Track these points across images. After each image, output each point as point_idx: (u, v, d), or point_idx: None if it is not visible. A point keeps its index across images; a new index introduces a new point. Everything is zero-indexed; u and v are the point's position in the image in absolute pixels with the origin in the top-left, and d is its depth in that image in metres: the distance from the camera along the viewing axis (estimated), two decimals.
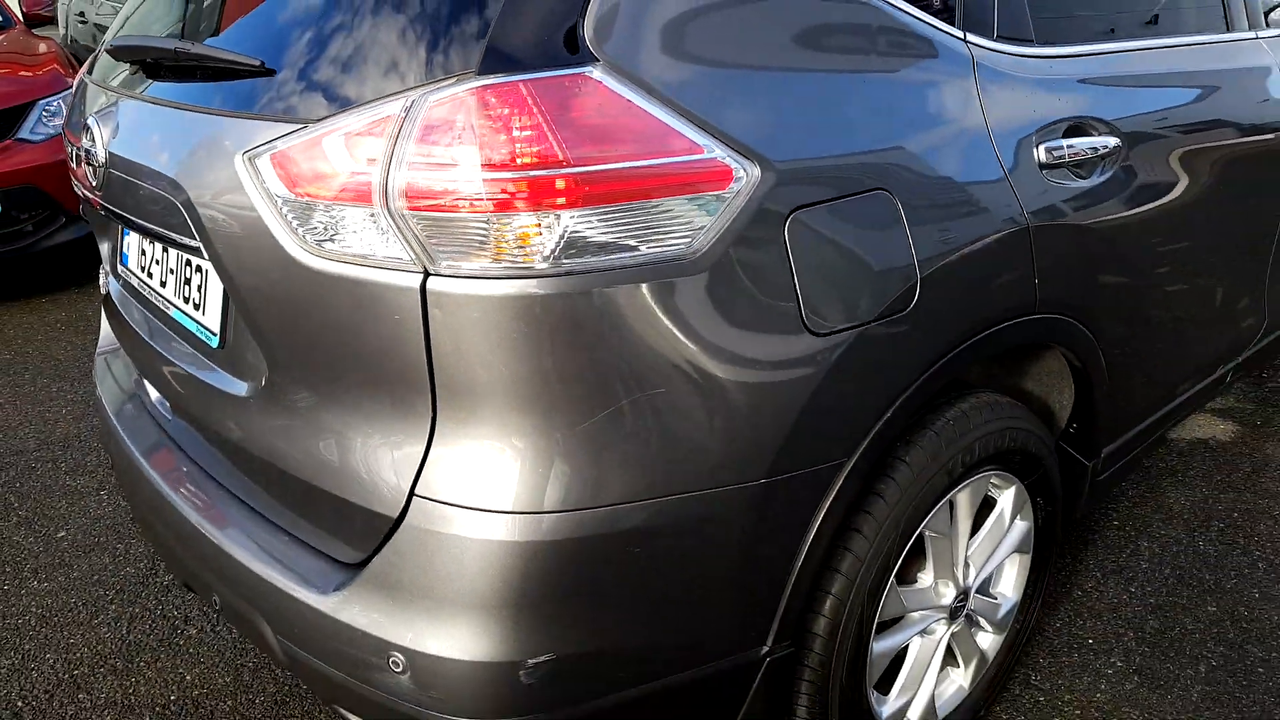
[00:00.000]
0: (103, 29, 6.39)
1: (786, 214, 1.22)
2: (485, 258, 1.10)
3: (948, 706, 1.79)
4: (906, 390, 1.38)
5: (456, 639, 1.19)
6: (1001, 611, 1.82)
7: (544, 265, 1.10)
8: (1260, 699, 1.96)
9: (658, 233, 1.15)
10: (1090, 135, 1.62)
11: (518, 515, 1.16)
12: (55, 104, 4.39)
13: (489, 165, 1.07)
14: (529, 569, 1.17)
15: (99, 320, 4.08)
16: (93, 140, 1.54)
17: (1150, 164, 1.74)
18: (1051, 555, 1.89)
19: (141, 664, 2.13)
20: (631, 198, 1.12)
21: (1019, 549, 1.81)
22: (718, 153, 1.17)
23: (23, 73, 4.45)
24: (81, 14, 6.65)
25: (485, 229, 1.09)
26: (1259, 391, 3.20)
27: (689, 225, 1.16)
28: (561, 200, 1.09)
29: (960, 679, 1.82)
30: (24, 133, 4.18)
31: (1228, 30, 2.08)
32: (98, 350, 2.08)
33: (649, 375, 1.17)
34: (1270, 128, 2.08)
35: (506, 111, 1.07)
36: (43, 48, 4.82)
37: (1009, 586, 1.84)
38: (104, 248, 1.90)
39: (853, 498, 1.38)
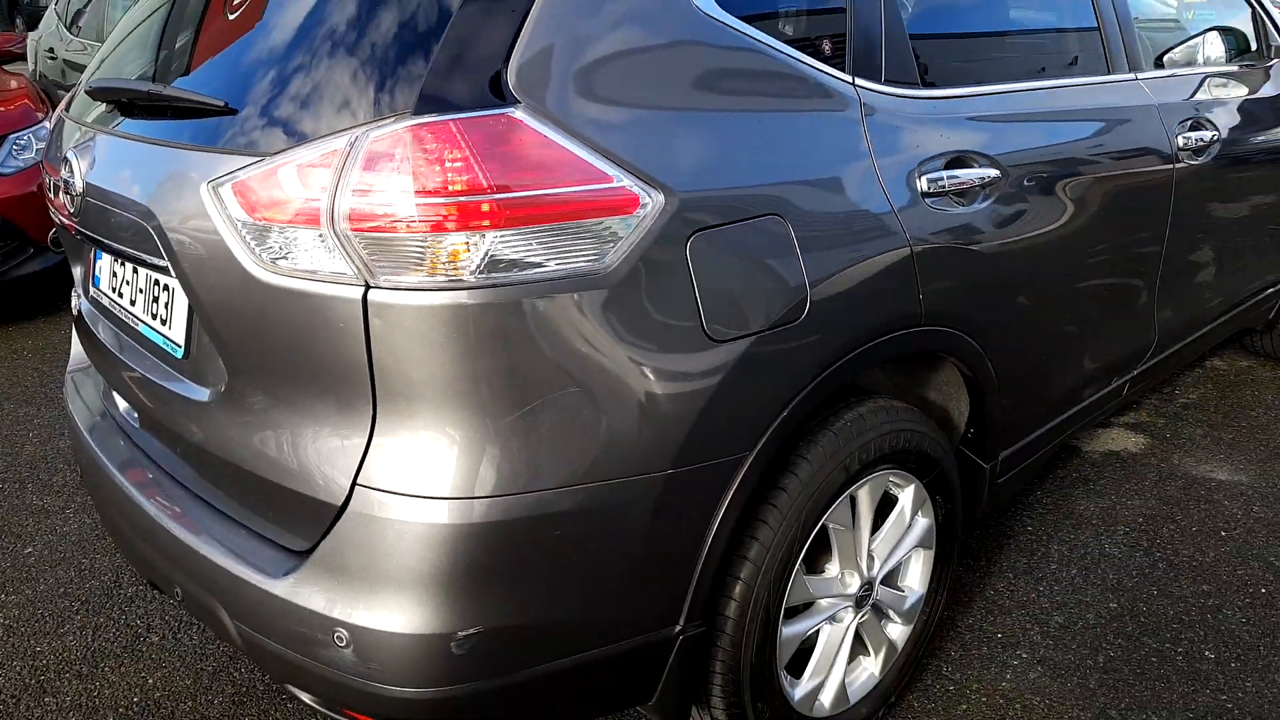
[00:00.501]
0: (72, 65, 6.53)
1: (688, 235, 1.39)
2: (420, 272, 1.26)
3: (859, 692, 1.95)
4: (801, 392, 1.55)
5: (393, 614, 1.34)
6: (908, 603, 1.99)
7: (472, 279, 1.26)
8: (1151, 685, 2.13)
9: (573, 251, 1.31)
10: (971, 167, 1.82)
11: (449, 501, 1.31)
12: (25, 138, 4.50)
13: (422, 192, 1.24)
14: (459, 549, 1.32)
15: (69, 345, 4.18)
16: (71, 171, 1.69)
17: (1031, 193, 1.94)
18: (954, 551, 2.06)
19: (105, 669, 2.24)
20: (549, 220, 1.29)
21: (922, 544, 1.98)
22: (626, 182, 1.34)
23: None
24: (51, 50, 6.78)
25: (419, 247, 1.25)
26: (1170, 406, 3.42)
27: (601, 244, 1.33)
28: (486, 222, 1.26)
29: (871, 667, 1.97)
30: None
31: (1108, 72, 2.30)
32: (69, 369, 2.21)
33: (566, 376, 1.33)
34: (1149, 161, 2.29)
35: (438, 146, 1.24)
36: (13, 84, 4.93)
37: (914, 580, 2.01)
38: (77, 271, 2.04)
39: (754, 489, 1.55)
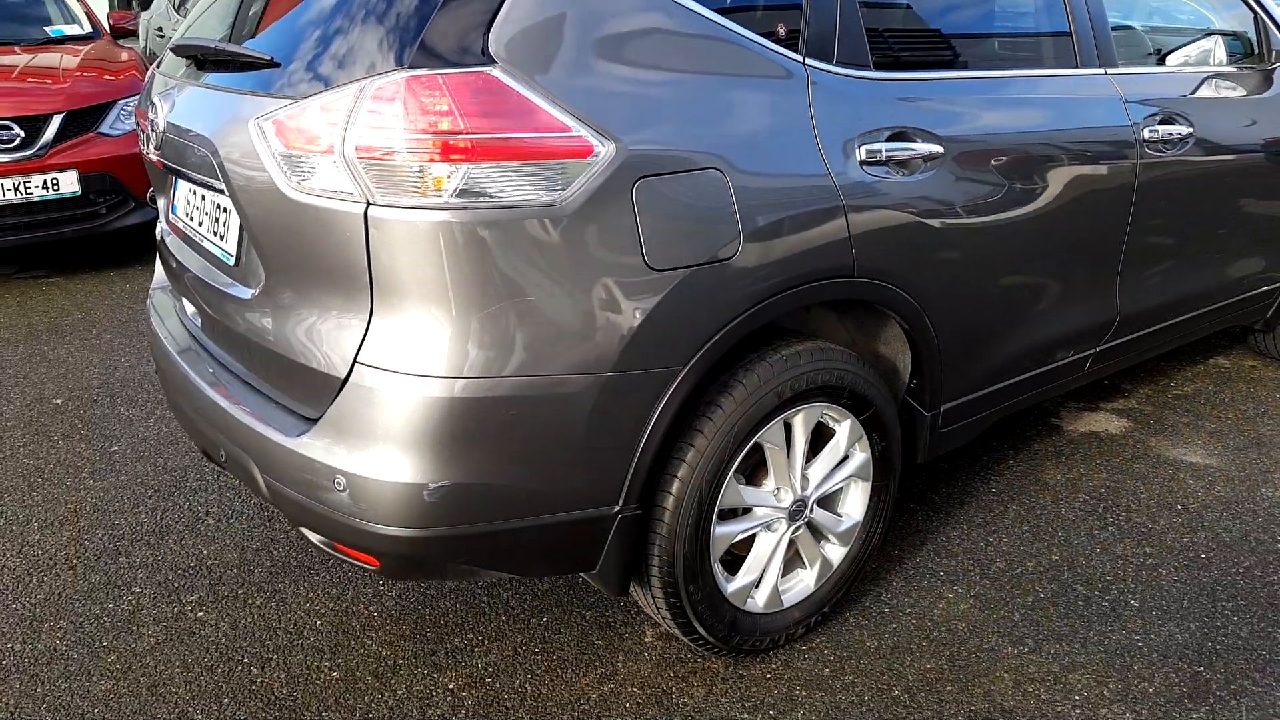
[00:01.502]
0: None
1: (634, 180, 1.69)
2: (409, 194, 1.60)
3: (794, 598, 2.22)
4: (731, 322, 1.83)
5: (380, 465, 1.68)
6: (843, 526, 2.25)
7: (449, 201, 1.59)
8: (1072, 623, 2.35)
9: (536, 185, 1.63)
10: (913, 142, 2.07)
11: (426, 378, 1.65)
12: (132, 104, 5.04)
13: (412, 129, 1.57)
14: (431, 418, 1.66)
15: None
16: (156, 114, 2.09)
17: (975, 170, 2.19)
18: (891, 484, 2.32)
19: (170, 541, 2.66)
20: (516, 158, 1.61)
21: (859, 475, 2.24)
22: (583, 132, 1.66)
23: (106, 76, 5.11)
24: (160, 29, 7.43)
25: (409, 174, 1.59)
26: (1162, 396, 3.57)
27: (559, 181, 1.64)
28: (463, 157, 1.59)
29: (807, 579, 2.25)
30: (104, 127, 4.82)
31: (1076, 67, 2.51)
32: (151, 286, 2.63)
33: (524, 286, 1.65)
34: (1107, 150, 2.50)
35: (427, 93, 1.58)
36: (124, 56, 5.50)
37: (852, 507, 2.27)
38: (161, 203, 2.44)
39: (686, 400, 1.84)
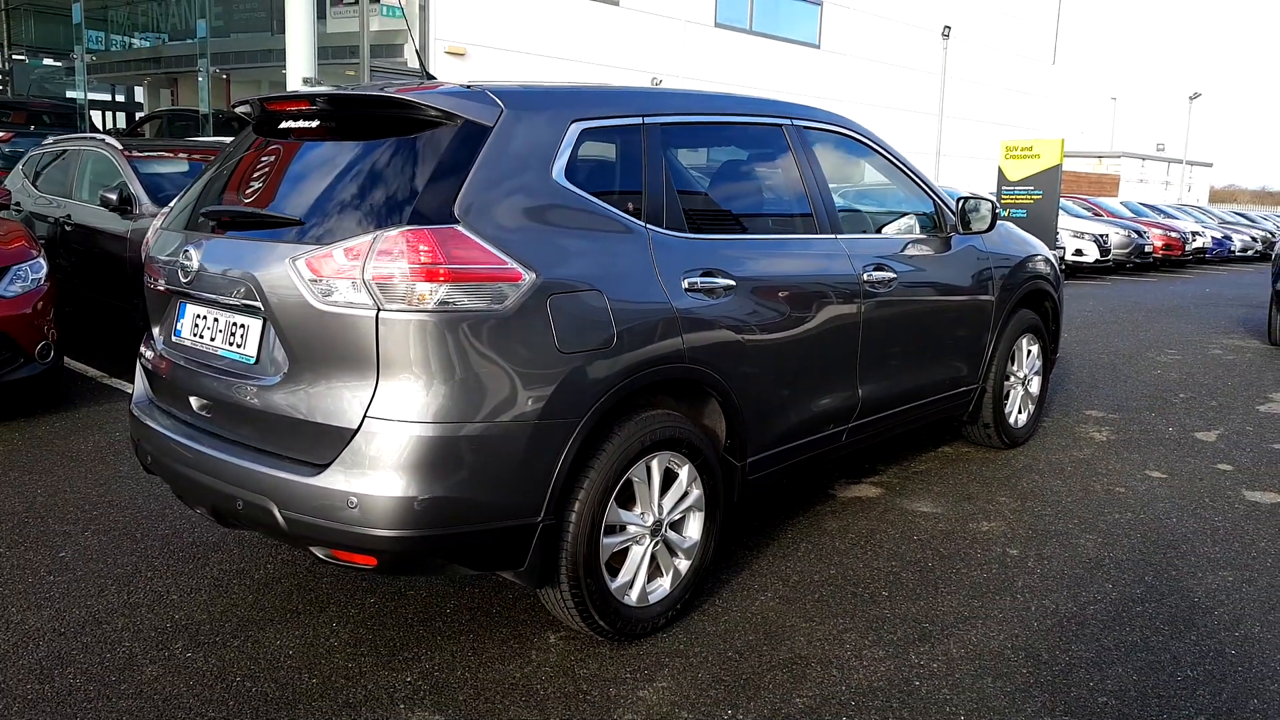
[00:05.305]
0: (37, 215, 7.65)
1: (548, 296, 2.66)
2: (404, 303, 2.49)
3: (656, 597, 3.09)
4: (612, 389, 2.79)
5: (382, 485, 2.48)
6: (686, 544, 3.18)
7: (431, 307, 2.49)
8: (846, 607, 3.34)
9: (486, 298, 2.57)
10: (716, 278, 3.17)
11: (414, 423, 2.49)
12: (23, 270, 5.53)
13: (408, 263, 2.48)
14: (417, 451, 2.49)
15: (52, 436, 5.12)
16: (189, 258, 2.88)
17: (756, 296, 3.30)
18: (718, 515, 3.28)
19: (143, 611, 3.20)
20: (473, 281, 2.55)
21: (696, 506, 3.19)
22: (515, 266, 2.62)
23: None
24: (18, 204, 7.88)
25: (405, 290, 2.48)
26: (905, 472, 4.79)
27: (500, 296, 2.58)
28: (441, 280, 2.50)
29: (664, 584, 3.13)
30: None
31: (817, 233, 3.75)
32: (133, 401, 3.29)
33: (480, 361, 2.55)
34: (839, 286, 3.71)
35: (417, 241, 2.50)
36: (10, 228, 6.00)
37: (692, 530, 3.21)
38: (156, 329, 3.17)
39: (584, 442, 2.75)
